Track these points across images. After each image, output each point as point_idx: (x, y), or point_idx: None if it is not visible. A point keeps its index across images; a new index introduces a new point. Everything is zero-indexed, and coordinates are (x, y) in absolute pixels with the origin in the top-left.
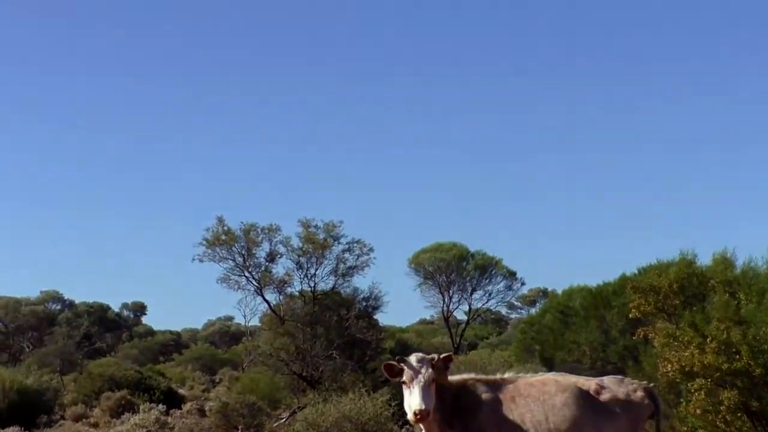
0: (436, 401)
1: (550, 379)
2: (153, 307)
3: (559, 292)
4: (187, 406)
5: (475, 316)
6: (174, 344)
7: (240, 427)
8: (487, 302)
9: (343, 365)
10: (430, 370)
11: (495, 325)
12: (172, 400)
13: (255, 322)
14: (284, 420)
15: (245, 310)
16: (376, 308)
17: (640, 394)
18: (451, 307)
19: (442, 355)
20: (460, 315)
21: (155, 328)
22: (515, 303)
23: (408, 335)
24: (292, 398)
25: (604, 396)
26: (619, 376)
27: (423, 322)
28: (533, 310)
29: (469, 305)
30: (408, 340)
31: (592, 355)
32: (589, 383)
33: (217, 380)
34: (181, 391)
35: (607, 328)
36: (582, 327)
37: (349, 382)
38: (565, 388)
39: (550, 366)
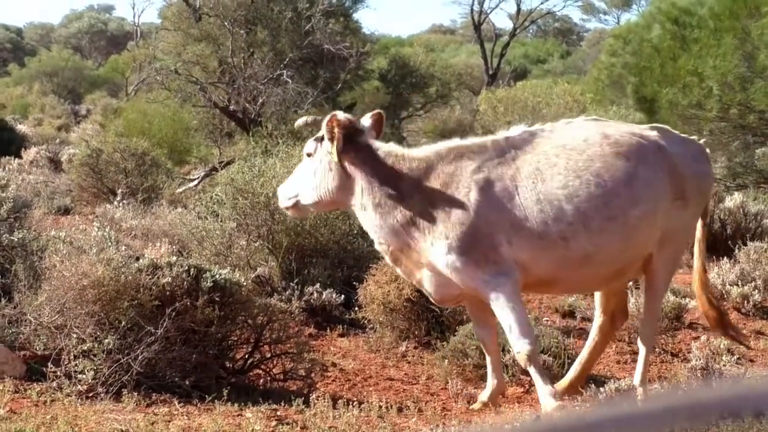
0: (361, 194)
1: (595, 134)
2: None
3: None
4: (30, 153)
5: (526, 24)
6: (11, 48)
7: (120, 190)
8: (547, 0)
9: (300, 95)
10: (327, 143)
11: (560, 40)
12: (6, 142)
13: (151, 17)
14: (195, 183)
15: None
16: (358, 1)
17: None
18: (486, 5)
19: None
20: (500, 21)
21: None
22: (596, 3)
23: (410, 50)
24: (210, 148)
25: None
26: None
27: (437, 29)
28: (628, 17)
29: (518, 4)
30: (410, 59)
31: (723, 98)
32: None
33: (83, 112)
34: (22, 128)
35: (753, 52)
36: (710, 48)
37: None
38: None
39: (649, 111)
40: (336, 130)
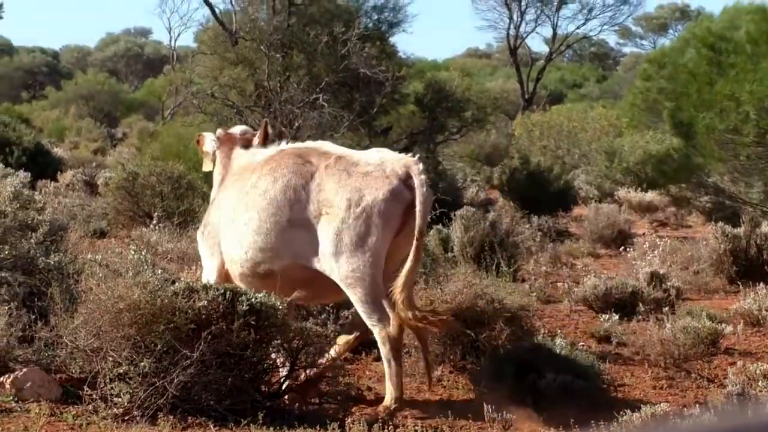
0: None
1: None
2: (12, 5)
3: (712, 11)
4: (66, 176)
5: (561, 48)
6: (48, 71)
7: (156, 213)
8: (583, 24)
9: (335, 119)
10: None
11: (596, 64)
12: (43, 165)
13: (187, 41)
14: None
15: (171, 18)
16: (394, 26)
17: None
18: (522, 30)
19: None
20: (537, 44)
21: (15, 42)
22: (633, 27)
23: (446, 74)
24: None
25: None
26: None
27: (473, 53)
28: (664, 41)
29: (554, 28)
30: (446, 83)
31: (760, 122)
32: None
33: (120, 136)
34: (58, 152)
35: None
36: (746, 73)
37: (344, 146)
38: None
39: (686, 136)
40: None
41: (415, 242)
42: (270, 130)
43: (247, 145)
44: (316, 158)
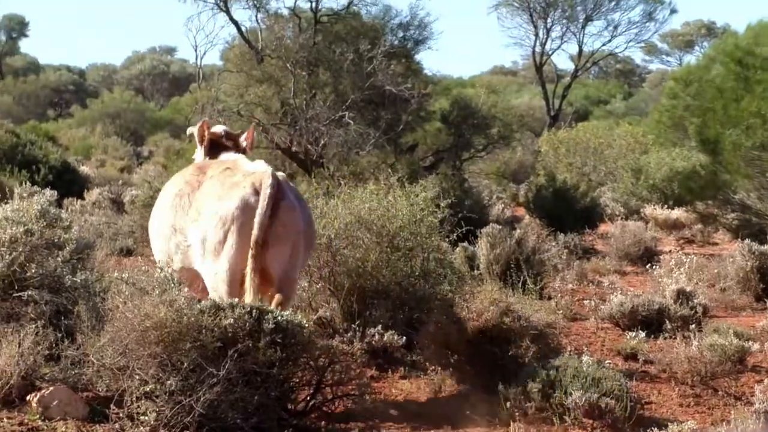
0: None
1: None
2: (39, 24)
3: (737, 28)
4: (92, 194)
5: (587, 65)
6: (74, 90)
7: None
8: (609, 41)
9: (361, 136)
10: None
11: (622, 81)
12: (69, 184)
13: (213, 59)
14: None
15: (197, 36)
16: (419, 43)
17: None
18: (548, 47)
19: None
20: (562, 62)
21: (42, 60)
22: (659, 44)
23: (472, 92)
24: None
25: None
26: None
27: (499, 71)
28: (690, 58)
29: (580, 45)
30: (471, 100)
31: None
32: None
33: (146, 154)
34: (85, 170)
35: None
36: None
37: (369, 164)
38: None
39: (712, 153)
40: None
41: (251, 250)
42: (255, 135)
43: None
44: (210, 169)
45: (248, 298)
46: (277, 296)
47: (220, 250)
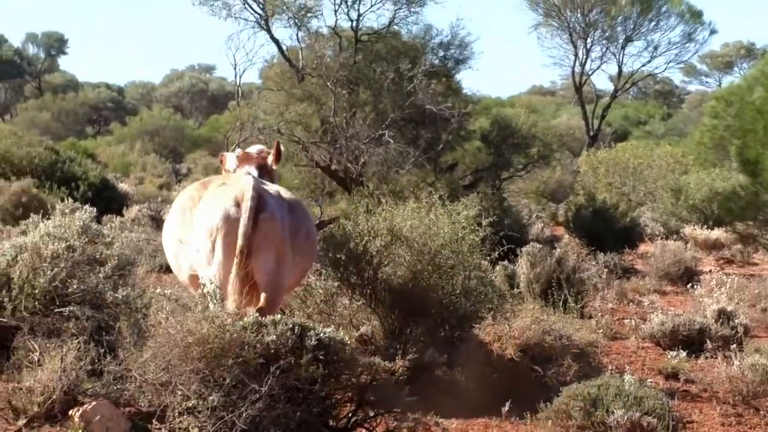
0: None
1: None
2: (78, 42)
3: None
4: (132, 211)
5: (626, 86)
6: (113, 107)
7: None
8: (649, 61)
9: (401, 155)
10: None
11: (661, 102)
12: (108, 200)
13: (253, 77)
14: None
15: (237, 55)
16: (460, 62)
17: None
18: (587, 67)
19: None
20: (601, 82)
21: (81, 78)
22: (698, 65)
23: (512, 111)
24: (312, 205)
25: None
26: None
27: (538, 90)
28: (730, 79)
29: (619, 65)
30: (511, 120)
31: None
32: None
33: (184, 171)
34: (124, 187)
35: None
36: None
37: (409, 182)
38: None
39: (753, 174)
40: None
41: (235, 258)
42: (282, 149)
43: (262, 163)
44: (211, 185)
45: (229, 301)
46: (263, 296)
47: (211, 259)
